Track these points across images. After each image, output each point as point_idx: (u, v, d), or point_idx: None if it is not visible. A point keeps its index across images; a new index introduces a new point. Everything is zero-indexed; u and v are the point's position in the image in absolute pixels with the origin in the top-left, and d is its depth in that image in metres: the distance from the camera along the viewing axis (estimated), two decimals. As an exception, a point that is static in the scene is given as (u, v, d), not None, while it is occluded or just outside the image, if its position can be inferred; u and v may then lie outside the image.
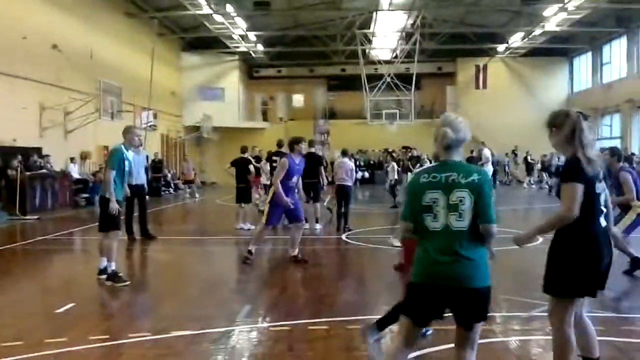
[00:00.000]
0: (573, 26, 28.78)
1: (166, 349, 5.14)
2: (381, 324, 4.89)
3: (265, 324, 5.87)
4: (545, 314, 5.81)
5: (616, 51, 31.21)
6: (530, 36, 31.24)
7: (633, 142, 28.67)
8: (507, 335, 5.44)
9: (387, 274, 8.23)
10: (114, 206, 7.44)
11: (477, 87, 36.48)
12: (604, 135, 31.56)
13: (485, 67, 36.41)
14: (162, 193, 25.15)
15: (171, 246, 11.69)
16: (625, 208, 7.77)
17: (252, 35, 30.67)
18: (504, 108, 34.64)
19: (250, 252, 8.93)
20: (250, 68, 38.50)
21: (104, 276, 7.61)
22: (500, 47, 34.57)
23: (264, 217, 8.96)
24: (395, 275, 8.03)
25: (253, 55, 34.69)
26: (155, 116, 26.00)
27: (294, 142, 8.99)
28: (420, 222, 3.33)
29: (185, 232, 14.14)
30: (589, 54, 34.40)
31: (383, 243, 11.37)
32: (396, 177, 19.12)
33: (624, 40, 30.00)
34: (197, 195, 24.80)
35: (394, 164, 20.40)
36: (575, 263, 3.70)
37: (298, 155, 8.98)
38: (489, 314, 3.42)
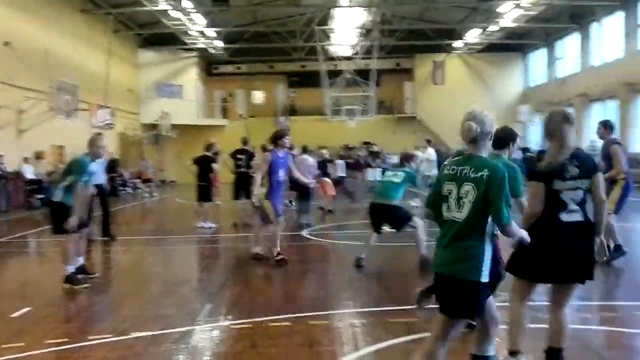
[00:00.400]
0: (528, 22, 29.37)
1: (127, 350, 5.07)
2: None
3: (227, 322, 5.85)
4: (502, 304, 5.99)
5: (569, 47, 32.02)
6: (486, 32, 31.78)
7: (585, 135, 29.47)
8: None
9: (347, 269, 8.29)
10: (73, 223, 7.20)
11: (435, 82, 36.92)
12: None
13: (442, 63, 36.89)
14: (120, 192, 24.73)
15: (131, 246, 11.52)
16: (612, 183, 7.76)
17: (210, 32, 30.38)
18: (462, 103, 35.16)
19: (278, 253, 8.70)
20: (209, 64, 38.14)
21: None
22: (458, 43, 35.07)
23: (271, 217, 8.68)
24: (354, 270, 8.12)
25: (212, 51, 34.37)
26: (112, 114, 25.52)
27: (277, 137, 8.76)
28: (439, 211, 3.49)
29: (145, 231, 13.96)
30: (544, 50, 35.22)
31: (343, 239, 11.47)
32: (342, 174, 18.96)
33: (577, 36, 30.79)
34: (155, 194, 24.44)
35: (340, 161, 20.37)
36: (533, 251, 3.83)
37: (282, 150, 8.80)
38: (475, 310, 3.46)
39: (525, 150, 21.80)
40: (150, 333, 5.43)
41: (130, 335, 5.35)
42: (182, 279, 8.30)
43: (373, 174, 22.75)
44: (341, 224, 13.81)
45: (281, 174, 8.72)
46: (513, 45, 35.31)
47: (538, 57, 36.35)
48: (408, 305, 5.95)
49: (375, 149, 28.46)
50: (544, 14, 28.65)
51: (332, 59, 36.10)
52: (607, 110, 28.12)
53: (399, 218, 8.02)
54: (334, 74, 34.87)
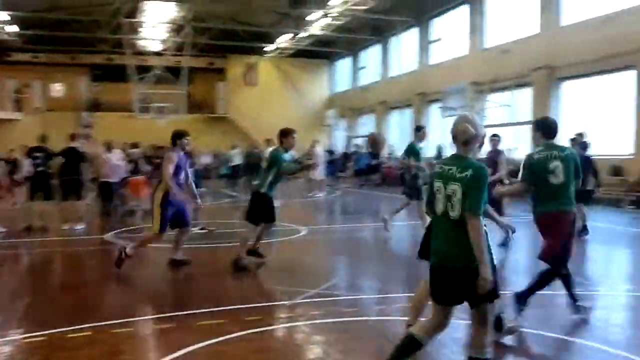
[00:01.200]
0: (335, 32, 30.85)
1: None
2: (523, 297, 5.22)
3: (19, 336, 5.29)
4: (308, 300, 6.19)
5: (372, 57, 34.30)
6: (296, 38, 32.80)
7: (386, 136, 31.75)
8: (277, 323, 5.63)
9: (155, 273, 7.98)
10: None
11: (248, 84, 37.27)
12: (360, 133, 34.40)
13: (255, 65, 37.35)
14: None
15: None
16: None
17: (3, 15, 27.46)
18: (273, 106, 35.87)
19: (126, 253, 7.72)
20: (1, 51, 34.45)
21: None
22: (270, 47, 35.75)
23: (155, 224, 7.68)
24: (163, 274, 7.85)
25: (5, 36, 31.07)
26: None
27: (177, 136, 7.97)
28: (431, 207, 3.75)
29: None
30: (349, 59, 37.30)
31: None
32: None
33: (378, 47, 33.08)
34: None
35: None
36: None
37: (181, 151, 8.01)
38: (482, 296, 3.56)
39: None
40: None
41: None
42: (-37, 290, 7.35)
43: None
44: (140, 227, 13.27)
45: (182, 177, 7.94)
46: (321, 52, 36.87)
47: (343, 65, 38.41)
48: (215, 307, 5.89)
49: (188, 148, 27.83)
50: (349, 25, 30.31)
51: (141, 53, 34.68)
52: (404, 117, 30.62)
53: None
54: (143, 70, 33.51)
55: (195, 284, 7.37)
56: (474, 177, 3.55)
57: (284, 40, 33.84)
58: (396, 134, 31.33)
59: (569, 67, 19.35)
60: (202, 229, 11.52)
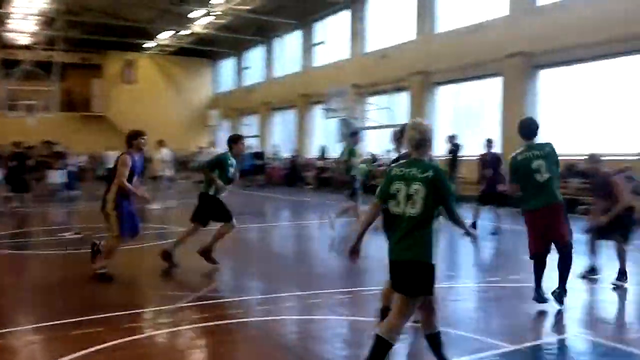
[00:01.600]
0: (218, 30, 30.49)
1: None
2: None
3: None
4: (192, 303, 6.06)
5: (255, 58, 34.24)
6: (178, 35, 32.05)
7: (268, 141, 31.83)
8: (157, 329, 5.44)
9: (27, 281, 7.46)
10: None
11: (126, 82, 35.89)
12: (244, 133, 34.23)
13: (134, 62, 36.05)
14: None
15: None
16: None
17: None
18: (154, 105, 34.82)
19: (103, 268, 7.16)
20: None
21: None
22: (149, 44, 34.65)
23: (114, 228, 7.14)
24: (35, 281, 7.36)
25: None
26: None
27: (133, 137, 7.40)
28: (377, 204, 4.05)
29: None
30: (233, 58, 36.99)
31: (22, 247, 10.36)
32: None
33: (262, 48, 33.08)
34: None
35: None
36: None
37: (137, 152, 7.42)
38: (433, 288, 3.87)
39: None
40: None
41: None
42: None
43: (56, 176, 20.72)
44: (16, 232, 12.40)
45: (135, 181, 7.37)
46: (204, 51, 36.28)
47: (227, 65, 38.05)
48: (92, 315, 5.60)
49: (59, 148, 26.30)
50: (233, 25, 30.09)
51: (9, 47, 32.32)
52: (287, 118, 30.87)
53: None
54: (10, 64, 31.24)
55: (70, 291, 6.96)
56: (436, 177, 3.87)
57: (164, 38, 32.95)
58: (279, 135, 31.52)
59: (443, 73, 20.41)
60: (76, 233, 10.93)
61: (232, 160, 7.98)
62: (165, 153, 17.35)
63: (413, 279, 3.85)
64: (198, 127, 36.32)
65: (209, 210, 7.96)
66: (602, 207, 6.81)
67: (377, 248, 10.70)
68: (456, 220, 4.02)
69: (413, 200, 3.84)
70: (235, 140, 8.18)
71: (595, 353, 4.75)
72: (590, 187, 7.17)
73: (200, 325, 5.44)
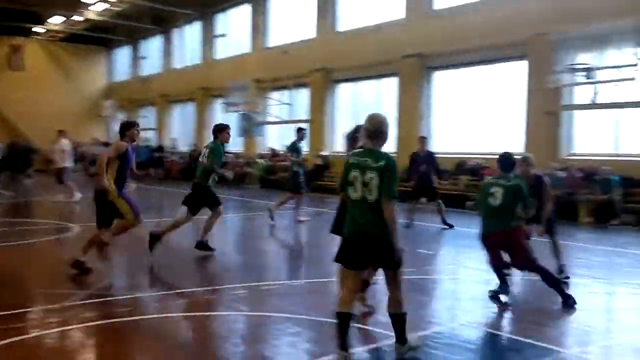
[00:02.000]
0: (113, 18, 29.30)
1: None
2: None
3: None
4: (84, 302, 5.83)
5: (153, 48, 33.23)
6: (70, 21, 30.48)
7: (167, 134, 31.06)
8: (45, 329, 5.17)
9: None
10: None
11: (13, 68, 33.69)
12: (140, 126, 33.19)
13: (21, 47, 33.88)
14: None
15: None
16: None
17: None
18: (45, 93, 32.86)
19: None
20: None
21: None
22: (39, 28, 32.71)
23: (128, 215, 7.15)
24: None
25: None
26: None
27: (125, 127, 7.34)
28: (346, 193, 4.37)
29: None
30: (129, 47, 35.69)
31: None
32: None
33: (160, 38, 32.16)
34: None
35: None
36: None
37: (130, 142, 7.32)
38: (397, 262, 4.26)
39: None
40: None
41: None
42: None
43: None
44: None
45: (127, 171, 7.26)
46: (99, 38, 34.75)
47: (123, 54, 36.66)
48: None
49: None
50: (129, 13, 28.99)
51: None
52: (186, 111, 30.25)
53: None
54: None
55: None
56: (387, 166, 4.21)
57: (55, 23, 31.22)
58: (178, 129, 30.83)
59: (343, 71, 20.77)
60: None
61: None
62: (64, 144, 16.54)
63: (378, 254, 4.28)
64: (92, 118, 34.74)
65: (203, 199, 8.54)
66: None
67: (274, 244, 10.81)
68: (390, 210, 4.29)
69: (369, 188, 4.22)
70: (221, 129, 8.59)
71: (483, 342, 5.05)
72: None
73: (92, 324, 5.24)
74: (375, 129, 4.38)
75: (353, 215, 4.35)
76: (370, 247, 4.27)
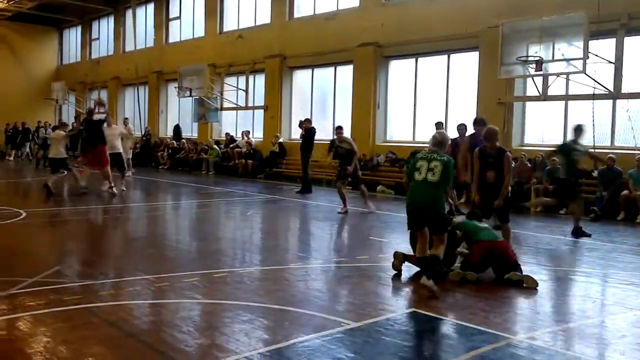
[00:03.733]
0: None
1: None
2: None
3: None
4: (27, 290, 5.67)
5: (105, 29, 32.37)
6: (17, -1, 29.43)
7: (119, 118, 30.34)
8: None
9: None
10: None
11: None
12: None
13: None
14: None
15: None
16: None
17: None
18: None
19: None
20: None
21: None
22: (-17, 6, 31.47)
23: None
24: None
25: None
26: None
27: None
28: (412, 177, 6.30)
29: None
30: (79, 28, 34.67)
31: None
32: None
33: (112, 19, 31.34)
34: None
35: None
36: None
37: None
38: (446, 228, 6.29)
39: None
40: None
41: None
42: None
43: None
44: None
45: None
46: (48, 18, 33.64)
47: (74, 35, 35.59)
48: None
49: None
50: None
51: None
52: (140, 94, 29.60)
53: None
54: None
55: None
56: (446, 161, 6.14)
57: (1, 0, 30.03)
58: (131, 113, 30.17)
59: (299, 58, 20.68)
60: None
61: None
62: None
63: (435, 221, 6.14)
64: (40, 101, 33.64)
65: None
66: (492, 175, 7.66)
67: (227, 231, 10.74)
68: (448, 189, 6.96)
69: (434, 172, 6.06)
70: None
71: (434, 328, 5.13)
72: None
73: (39, 312, 5.10)
74: (440, 140, 6.44)
75: (417, 192, 6.19)
76: (427, 216, 6.14)
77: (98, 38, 33.13)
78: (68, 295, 5.64)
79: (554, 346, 4.63)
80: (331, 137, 12.96)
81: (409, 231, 6.71)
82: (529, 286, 6.26)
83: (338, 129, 12.37)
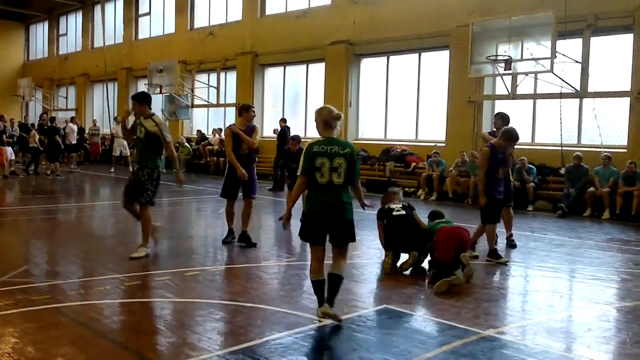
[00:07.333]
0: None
1: None
2: None
3: None
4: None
5: (73, 25, 31.84)
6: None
7: (88, 114, 29.89)
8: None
9: None
10: None
11: None
12: (59, 106, 31.87)
13: None
14: None
15: None
16: None
17: None
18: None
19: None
20: None
21: None
22: (-54, -1, 30.69)
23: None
24: None
25: None
26: None
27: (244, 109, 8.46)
28: (312, 178, 4.81)
29: None
30: (46, 23, 34.03)
31: None
32: None
33: (80, 14, 30.83)
34: None
35: None
36: None
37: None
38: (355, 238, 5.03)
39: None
40: None
41: None
42: None
43: None
44: None
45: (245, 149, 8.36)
46: (14, 13, 32.97)
47: (41, 31, 34.93)
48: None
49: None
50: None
51: None
52: (111, 91, 29.16)
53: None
54: None
55: None
56: (352, 153, 4.83)
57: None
58: (99, 110, 29.73)
59: (271, 55, 20.62)
60: None
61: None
62: None
63: (343, 231, 4.91)
64: (6, 97, 32.94)
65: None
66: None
67: (198, 229, 10.66)
68: (357, 190, 5.07)
69: (339, 172, 4.79)
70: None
71: (404, 324, 5.18)
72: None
73: (4, 312, 5.01)
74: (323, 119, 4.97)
75: (320, 196, 4.92)
76: (333, 226, 4.95)
77: (66, 34, 32.57)
78: (36, 295, 5.55)
79: (523, 340, 4.71)
80: (303, 135, 12.94)
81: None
82: (465, 277, 6.41)
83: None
